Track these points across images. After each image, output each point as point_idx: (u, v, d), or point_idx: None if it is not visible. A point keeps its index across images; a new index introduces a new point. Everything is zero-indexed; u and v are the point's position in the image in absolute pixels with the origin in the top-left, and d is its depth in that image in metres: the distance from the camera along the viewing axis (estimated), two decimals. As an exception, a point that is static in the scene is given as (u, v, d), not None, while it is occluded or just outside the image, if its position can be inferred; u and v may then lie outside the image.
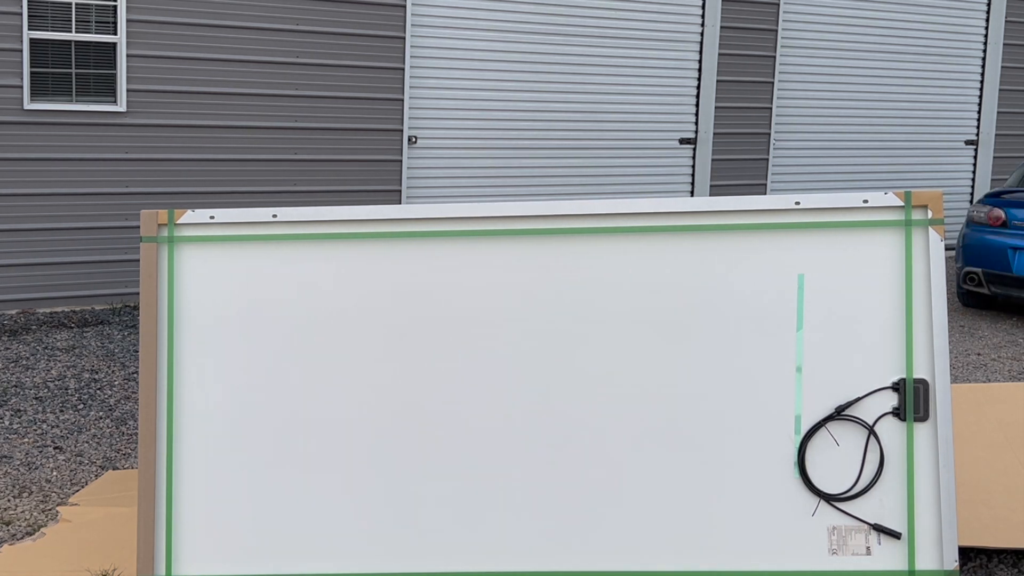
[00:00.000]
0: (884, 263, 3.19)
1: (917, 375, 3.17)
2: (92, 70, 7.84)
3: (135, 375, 6.22)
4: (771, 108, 10.68)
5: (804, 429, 3.20)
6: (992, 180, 12.04)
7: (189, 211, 3.31)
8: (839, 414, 3.19)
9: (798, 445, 3.20)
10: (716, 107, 10.37)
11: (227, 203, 8.24)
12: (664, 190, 10.22)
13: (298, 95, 8.56)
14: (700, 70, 10.29)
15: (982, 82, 11.87)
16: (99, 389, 6.00)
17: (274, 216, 3.31)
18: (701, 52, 10.27)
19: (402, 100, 8.96)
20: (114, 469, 4.82)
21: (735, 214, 3.24)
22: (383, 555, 3.24)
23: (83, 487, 4.57)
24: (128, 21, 7.86)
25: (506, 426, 3.25)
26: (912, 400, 3.16)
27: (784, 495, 3.19)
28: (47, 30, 7.65)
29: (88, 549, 3.88)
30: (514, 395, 3.25)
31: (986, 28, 11.77)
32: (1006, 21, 11.79)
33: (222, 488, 3.27)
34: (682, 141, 10.32)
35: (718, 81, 10.33)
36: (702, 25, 10.24)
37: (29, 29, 7.58)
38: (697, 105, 10.33)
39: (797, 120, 10.95)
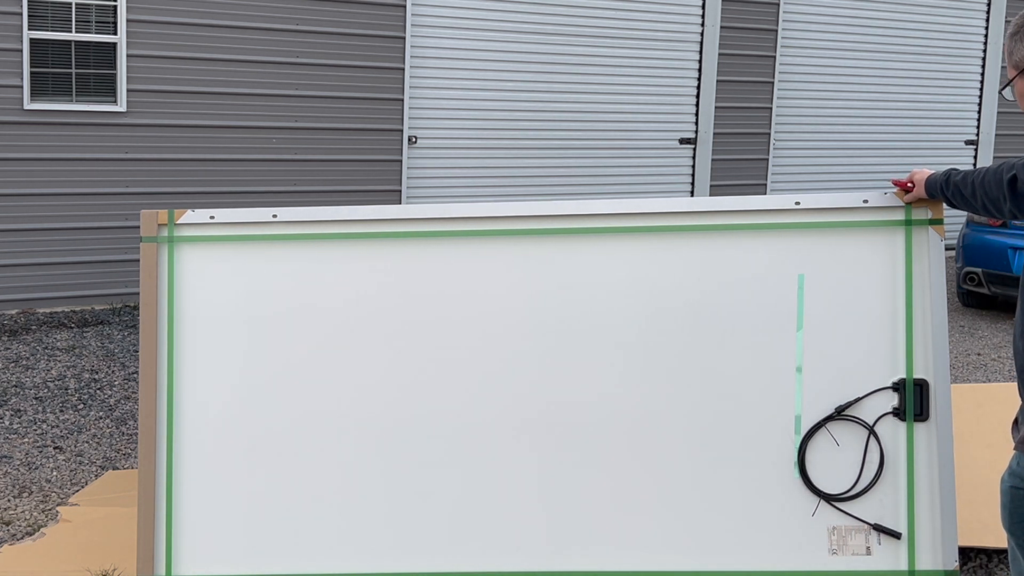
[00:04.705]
0: (884, 263, 3.19)
1: (917, 375, 3.17)
2: (92, 70, 7.84)
3: (135, 375, 6.22)
4: (771, 108, 10.68)
5: (804, 429, 3.20)
6: (992, 180, 12.01)
7: (189, 211, 3.31)
8: (839, 414, 3.19)
9: (798, 445, 3.20)
10: (716, 107, 10.37)
11: (227, 203, 8.23)
12: (664, 190, 10.22)
13: (298, 95, 8.55)
14: (700, 70, 10.29)
15: (982, 82, 11.87)
16: (99, 389, 5.99)
17: (274, 216, 3.31)
18: (701, 52, 10.26)
19: (402, 100, 8.95)
20: (114, 469, 4.82)
21: (735, 214, 3.24)
22: (383, 555, 3.24)
23: (83, 487, 4.57)
24: (128, 21, 7.86)
25: (505, 425, 3.25)
26: (912, 400, 3.16)
27: (784, 495, 3.19)
28: (47, 30, 7.65)
29: (88, 549, 3.87)
30: (513, 394, 3.25)
31: (986, 28, 11.77)
32: (1006, 21, 11.77)
33: (222, 488, 3.27)
34: (682, 141, 10.32)
35: (718, 81, 10.33)
36: (702, 25, 10.24)
37: (29, 29, 7.58)
38: (697, 105, 10.32)
39: (797, 120, 10.95)
